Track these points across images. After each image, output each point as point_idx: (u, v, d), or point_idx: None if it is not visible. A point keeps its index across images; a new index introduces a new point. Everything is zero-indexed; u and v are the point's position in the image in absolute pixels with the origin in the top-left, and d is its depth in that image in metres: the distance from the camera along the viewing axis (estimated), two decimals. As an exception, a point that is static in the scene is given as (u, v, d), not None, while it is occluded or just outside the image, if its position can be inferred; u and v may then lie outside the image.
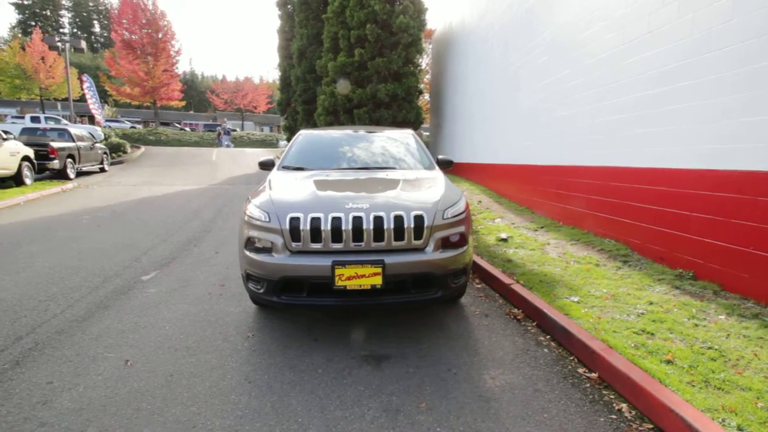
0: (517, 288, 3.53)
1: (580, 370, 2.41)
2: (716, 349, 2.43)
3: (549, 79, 6.48)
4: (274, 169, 3.82)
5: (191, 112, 59.18)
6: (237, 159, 20.61)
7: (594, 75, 5.21)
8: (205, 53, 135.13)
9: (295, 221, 2.58)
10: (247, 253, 2.72)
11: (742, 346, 2.47)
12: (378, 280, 2.47)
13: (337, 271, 2.46)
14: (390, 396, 2.16)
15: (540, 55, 6.76)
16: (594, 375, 2.33)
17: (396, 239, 2.57)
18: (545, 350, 2.69)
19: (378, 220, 2.55)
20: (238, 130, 45.20)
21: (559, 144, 6.15)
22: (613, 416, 1.98)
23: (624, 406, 2.05)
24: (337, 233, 2.54)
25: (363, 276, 2.46)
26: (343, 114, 13.92)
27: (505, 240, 5.30)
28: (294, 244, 2.58)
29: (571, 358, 2.57)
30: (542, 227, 5.91)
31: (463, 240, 2.80)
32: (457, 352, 2.64)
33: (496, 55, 9.07)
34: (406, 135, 4.52)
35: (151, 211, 7.94)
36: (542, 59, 6.68)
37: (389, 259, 2.51)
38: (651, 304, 3.16)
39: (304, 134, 4.39)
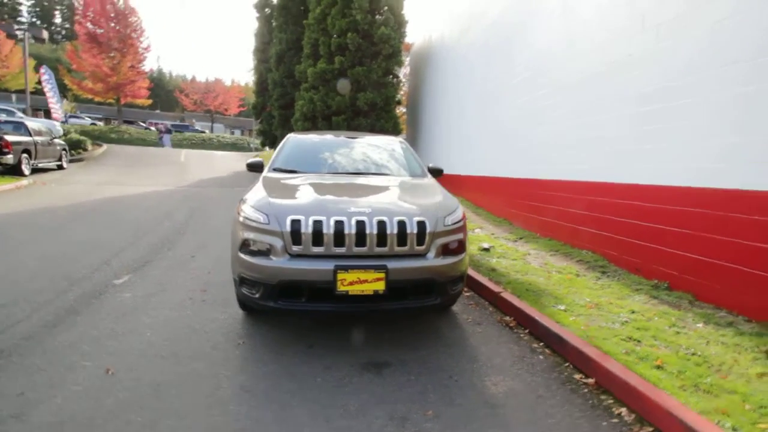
0: (507, 296, 3.59)
1: (577, 376, 2.46)
2: (699, 355, 2.57)
3: (526, 98, 6.75)
4: (265, 171, 3.73)
5: (158, 111, 56.95)
6: (206, 161, 20.00)
7: (571, 96, 5.48)
8: (174, 52, 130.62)
9: (296, 224, 2.52)
10: (242, 256, 2.61)
11: (722, 352, 2.62)
12: (381, 286, 2.45)
13: (340, 276, 2.41)
14: (395, 404, 2.12)
15: (519, 73, 7.04)
16: (591, 380, 2.39)
17: (398, 245, 2.56)
18: (540, 357, 2.74)
19: (381, 225, 2.54)
20: (207, 131, 43.88)
21: (536, 158, 6.39)
22: (615, 420, 2.04)
23: (623, 410, 2.11)
24: (339, 237, 2.49)
25: (365, 281, 2.43)
26: (321, 120, 13.85)
27: (487, 250, 5.39)
28: (294, 248, 2.51)
29: (567, 364, 2.63)
30: (521, 238, 6.07)
31: (461, 247, 2.82)
32: (456, 359, 2.64)
33: (476, 73, 9.35)
34: (395, 142, 4.54)
35: (118, 211, 7.50)
36: (521, 77, 6.96)
37: (392, 265, 2.49)
38: (633, 312, 3.30)
39: (293, 137, 4.32)
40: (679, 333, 2.92)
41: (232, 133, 52.68)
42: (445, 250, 2.71)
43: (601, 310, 3.35)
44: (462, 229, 2.87)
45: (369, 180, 3.52)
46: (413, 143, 16.25)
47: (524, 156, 6.80)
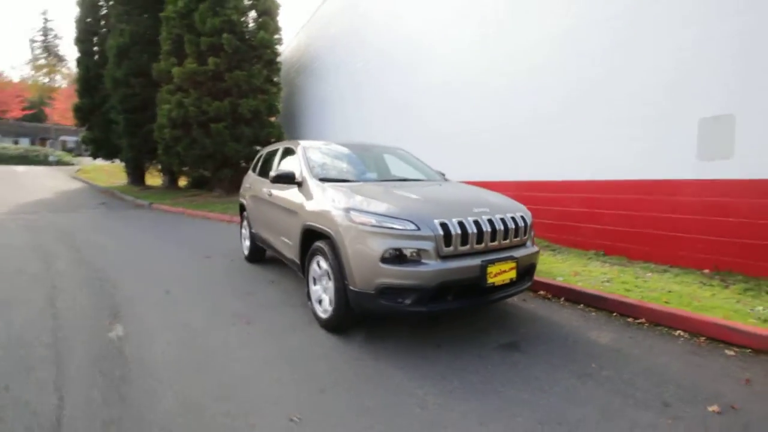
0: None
1: (629, 319, 3.18)
2: (673, 291, 3.61)
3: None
4: (308, 181, 3.33)
5: None
6: (10, 180, 15.16)
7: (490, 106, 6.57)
8: None
9: (445, 227, 2.51)
10: (387, 266, 2.42)
11: (682, 288, 3.74)
12: (513, 274, 2.67)
13: (489, 270, 2.54)
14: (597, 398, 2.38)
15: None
16: (639, 319, 3.15)
17: (514, 237, 2.83)
18: (579, 307, 3.39)
19: (504, 221, 2.75)
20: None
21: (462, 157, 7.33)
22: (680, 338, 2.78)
23: (646, 322, 2.90)
24: (480, 235, 2.62)
25: (504, 272, 2.61)
26: (197, 128, 12.26)
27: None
28: (445, 249, 2.49)
29: (591, 308, 3.39)
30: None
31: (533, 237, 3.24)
32: (565, 337, 3.03)
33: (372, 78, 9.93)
34: (397, 149, 4.55)
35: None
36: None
37: (517, 254, 2.74)
38: (604, 273, 4.30)
39: (307, 146, 3.88)
40: (646, 281, 3.99)
41: (16, 142, 40.41)
42: (532, 240, 3.11)
43: (582, 276, 4.24)
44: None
45: (429, 185, 3.57)
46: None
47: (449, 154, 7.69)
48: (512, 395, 2.12)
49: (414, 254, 2.45)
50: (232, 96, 12.64)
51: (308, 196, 3.25)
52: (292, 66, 15.42)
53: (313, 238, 3.12)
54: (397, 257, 2.45)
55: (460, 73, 7.09)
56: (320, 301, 3.02)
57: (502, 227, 2.71)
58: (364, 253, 2.51)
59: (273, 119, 13.91)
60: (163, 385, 2.21)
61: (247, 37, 12.77)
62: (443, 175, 4.26)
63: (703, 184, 4.08)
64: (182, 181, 18.94)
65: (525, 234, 2.93)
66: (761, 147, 3.69)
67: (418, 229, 2.47)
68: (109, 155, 17.93)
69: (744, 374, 2.31)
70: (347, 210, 2.68)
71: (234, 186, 15.18)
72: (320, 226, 2.90)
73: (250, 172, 5.38)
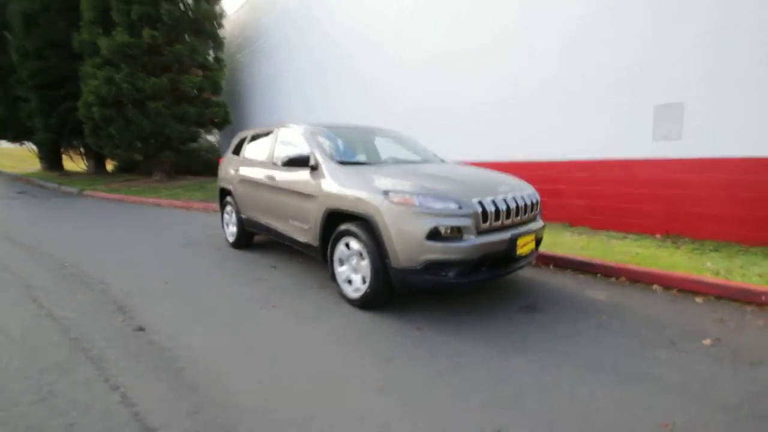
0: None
1: (612, 279, 3.69)
2: (635, 254, 4.23)
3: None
4: (324, 165, 3.33)
5: None
6: None
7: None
8: None
9: (481, 205, 2.71)
10: (432, 242, 2.58)
11: (645, 251, 4.36)
12: (533, 245, 2.99)
13: (519, 242, 2.81)
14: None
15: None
16: (620, 279, 3.66)
17: (531, 212, 3.13)
18: (568, 271, 3.85)
19: (524, 198, 3.02)
20: None
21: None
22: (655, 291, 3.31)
23: (616, 279, 3.44)
24: (508, 212, 2.86)
25: (527, 243, 2.91)
26: (131, 107, 11.13)
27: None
28: (482, 225, 2.70)
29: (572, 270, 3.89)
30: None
31: (538, 212, 3.57)
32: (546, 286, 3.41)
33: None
34: (394, 131, 4.62)
35: None
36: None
37: (534, 227, 3.05)
38: (575, 242, 4.85)
39: (312, 128, 3.81)
40: (613, 246, 4.59)
41: None
42: (540, 215, 3.43)
43: (560, 245, 4.75)
44: None
45: (442, 166, 3.71)
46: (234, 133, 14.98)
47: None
48: (552, 347, 2.43)
49: (456, 231, 2.64)
50: (172, 72, 11.63)
51: (327, 179, 3.26)
52: (233, 41, 14.46)
53: (338, 221, 3.17)
54: (440, 234, 2.62)
55: (435, 55, 7.26)
56: (349, 281, 3.10)
57: (523, 204, 2.99)
58: (409, 232, 2.63)
59: (218, 98, 13.06)
60: (227, 368, 2.20)
61: (183, 9, 11.70)
62: (436, 156, 4.47)
63: (657, 163, 4.75)
64: (109, 166, 17.12)
65: (536, 210, 3.25)
66: (704, 131, 4.38)
67: (461, 208, 2.66)
68: (16, 138, 15.58)
69: (716, 315, 2.86)
70: (386, 192, 2.77)
71: (176, 170, 14.09)
72: (351, 209, 2.96)
73: (230, 155, 5.14)
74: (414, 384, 2.07)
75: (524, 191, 3.12)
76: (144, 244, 5.32)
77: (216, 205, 8.37)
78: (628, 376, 2.13)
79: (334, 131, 3.95)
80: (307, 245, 3.54)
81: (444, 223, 2.61)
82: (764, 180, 4.05)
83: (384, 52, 8.27)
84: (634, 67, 4.84)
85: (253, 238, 4.98)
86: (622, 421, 1.78)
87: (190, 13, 11.73)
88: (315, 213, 3.33)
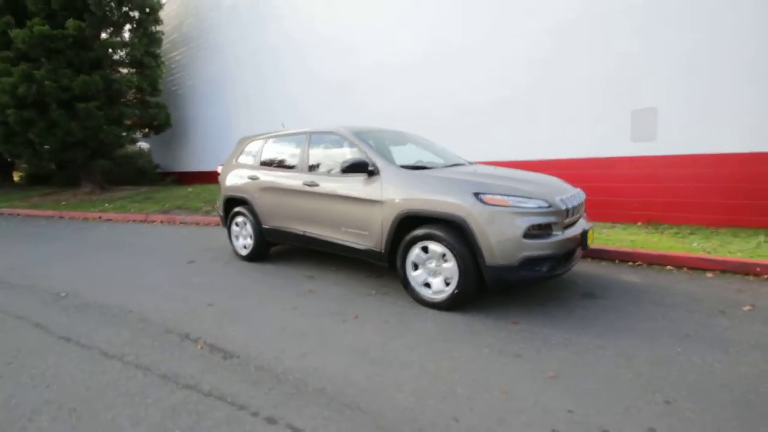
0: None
1: (629, 263, 4.18)
2: (630, 241, 4.84)
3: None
4: (387, 170, 3.36)
5: None
6: None
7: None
8: None
9: (563, 203, 2.94)
10: (529, 240, 2.75)
11: (629, 236, 5.01)
12: (592, 237, 3.26)
13: (589, 235, 3.08)
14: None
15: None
16: (637, 262, 4.17)
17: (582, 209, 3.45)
18: (609, 263, 4.28)
19: (580, 197, 3.32)
20: None
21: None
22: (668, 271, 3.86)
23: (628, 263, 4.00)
24: (574, 208, 3.13)
25: (589, 237, 3.18)
26: (57, 108, 9.65)
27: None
28: (564, 221, 2.93)
29: (616, 261, 4.34)
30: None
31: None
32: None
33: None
34: (417, 135, 4.73)
35: None
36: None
37: (589, 223, 3.37)
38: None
39: (359, 132, 3.79)
40: (609, 235, 5.18)
41: None
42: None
43: (560, 237, 5.25)
44: None
45: (494, 168, 3.86)
46: (180, 138, 13.80)
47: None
48: (634, 325, 2.73)
49: (547, 228, 2.84)
50: (103, 69, 10.34)
51: (392, 184, 3.27)
52: (166, 38, 13.23)
53: (410, 225, 3.19)
54: (535, 232, 2.80)
55: (417, 59, 7.44)
56: (427, 285, 3.14)
57: (579, 202, 3.30)
58: (506, 232, 2.76)
59: (157, 99, 11.88)
60: (395, 389, 2.13)
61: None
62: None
63: (635, 160, 5.46)
64: (15, 177, 14.57)
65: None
66: (675, 132, 5.16)
67: (550, 206, 2.86)
68: None
69: (732, 286, 3.43)
70: (476, 194, 2.87)
71: (109, 180, 12.40)
72: (435, 212, 3.00)
73: (237, 162, 4.81)
74: (573, 371, 2.21)
75: (576, 190, 3.43)
76: (140, 265, 4.74)
77: (182, 217, 7.69)
78: (716, 342, 2.49)
79: (375, 135, 3.92)
80: (368, 251, 3.48)
81: (539, 221, 2.80)
82: (725, 173, 4.90)
83: (358, 54, 8.27)
84: (613, 77, 5.51)
85: (269, 249, 4.71)
86: (749, 378, 2.10)
87: (122, 2, 10.52)
88: (380, 218, 3.30)
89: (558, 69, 5.93)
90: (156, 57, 11.42)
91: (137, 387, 2.18)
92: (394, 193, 3.24)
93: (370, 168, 3.40)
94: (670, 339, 2.55)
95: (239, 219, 4.69)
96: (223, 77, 11.60)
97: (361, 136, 3.72)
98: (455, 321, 2.91)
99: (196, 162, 13.31)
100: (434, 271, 3.10)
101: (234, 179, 4.74)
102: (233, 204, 4.81)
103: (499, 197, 2.84)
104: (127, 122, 11.02)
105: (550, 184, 3.26)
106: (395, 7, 7.65)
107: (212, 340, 2.71)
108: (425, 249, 3.10)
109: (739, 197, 4.90)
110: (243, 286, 3.83)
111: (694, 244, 4.45)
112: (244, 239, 4.71)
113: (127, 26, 10.65)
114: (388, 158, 3.51)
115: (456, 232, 2.96)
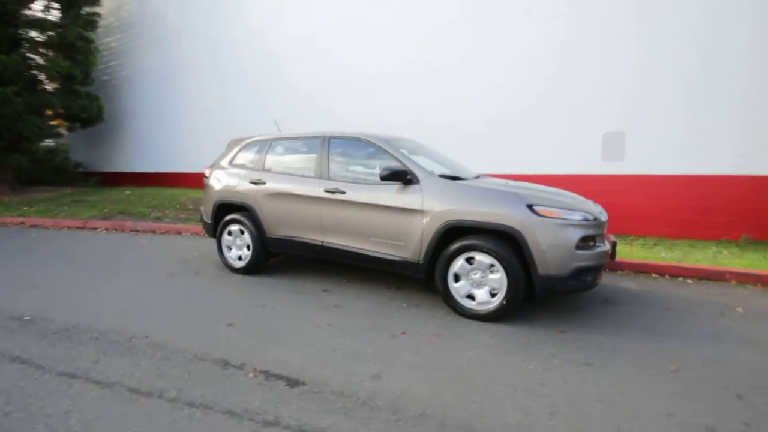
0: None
1: (618, 272, 4.54)
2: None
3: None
4: (427, 180, 3.30)
5: None
6: None
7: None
8: None
9: (602, 215, 3.12)
10: (581, 252, 2.89)
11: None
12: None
13: (617, 246, 3.27)
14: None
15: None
16: (625, 271, 4.55)
17: None
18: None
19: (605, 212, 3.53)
20: None
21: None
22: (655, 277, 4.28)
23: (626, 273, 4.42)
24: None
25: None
26: (-40, 91, 8.01)
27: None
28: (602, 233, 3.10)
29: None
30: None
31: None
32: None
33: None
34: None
35: None
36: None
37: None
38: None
39: (391, 140, 3.72)
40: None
41: None
42: None
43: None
44: None
45: (514, 181, 3.89)
46: (110, 135, 12.22)
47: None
48: (663, 329, 2.96)
49: (592, 240, 2.98)
50: (24, 49, 8.87)
51: (434, 194, 3.21)
52: (101, 22, 11.78)
53: (453, 236, 3.15)
54: (585, 243, 2.92)
55: (402, 68, 7.46)
56: (471, 296, 3.11)
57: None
58: (560, 243, 2.84)
59: (88, 89, 10.45)
60: (484, 409, 2.03)
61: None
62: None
63: (604, 178, 6.02)
64: None
65: None
66: (641, 154, 5.79)
67: (594, 219, 3.01)
68: None
69: (716, 291, 3.89)
70: (530, 206, 2.92)
71: (21, 179, 10.45)
72: (488, 222, 2.99)
73: (232, 165, 4.39)
74: (648, 376, 2.31)
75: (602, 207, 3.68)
76: (108, 280, 4.08)
77: (131, 224, 6.86)
78: (736, 340, 2.80)
79: (400, 143, 3.83)
80: (403, 263, 3.35)
81: (588, 233, 2.93)
82: (680, 192, 5.61)
83: (333, 60, 8.09)
84: (586, 104, 6.05)
85: (268, 261, 4.34)
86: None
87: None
88: (420, 229, 3.21)
89: (530, 96, 6.37)
90: (90, 42, 10.06)
91: (207, 429, 1.83)
92: (438, 202, 3.17)
93: (409, 177, 3.30)
94: (701, 339, 2.80)
95: (233, 227, 4.25)
96: (168, 71, 10.59)
97: (391, 144, 3.60)
98: (506, 332, 2.91)
99: (128, 162, 11.92)
100: (478, 282, 3.08)
101: (230, 183, 4.30)
102: (226, 210, 4.35)
103: (551, 210, 2.92)
104: (49, 112, 9.52)
105: (578, 198, 3.44)
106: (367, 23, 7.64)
107: (259, 365, 2.39)
108: (469, 260, 3.07)
109: (690, 213, 5.64)
110: (254, 302, 3.45)
111: (663, 254, 4.99)
112: (238, 250, 4.27)
113: (57, 4, 9.24)
114: (425, 167, 3.44)
115: (505, 243, 2.98)
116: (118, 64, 11.72)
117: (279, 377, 2.26)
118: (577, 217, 2.95)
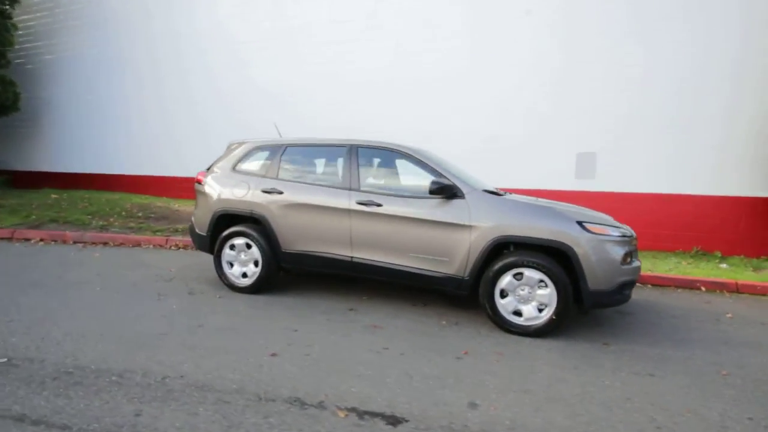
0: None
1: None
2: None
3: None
4: (473, 194, 3.27)
5: None
6: None
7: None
8: None
9: (632, 232, 3.28)
10: (624, 267, 3.04)
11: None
12: None
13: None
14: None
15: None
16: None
17: None
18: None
19: None
20: None
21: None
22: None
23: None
24: None
25: None
26: None
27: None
28: None
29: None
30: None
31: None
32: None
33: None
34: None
35: None
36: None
37: None
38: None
39: (423, 152, 3.64)
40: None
41: None
42: None
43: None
44: None
45: (541, 199, 3.94)
46: (25, 128, 10.39)
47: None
48: (684, 336, 3.22)
49: (630, 255, 3.15)
50: None
51: (481, 209, 3.19)
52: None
53: (499, 251, 3.14)
54: (627, 259, 3.08)
55: (377, 77, 7.36)
56: (517, 312, 3.11)
57: None
58: (609, 259, 2.96)
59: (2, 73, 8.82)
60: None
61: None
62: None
63: (577, 194, 6.50)
64: None
65: None
66: (609, 173, 6.36)
67: (632, 235, 3.18)
68: None
69: (698, 299, 4.36)
70: (580, 223, 3.00)
71: None
72: (541, 238, 3.02)
73: (236, 172, 3.96)
74: (708, 384, 2.46)
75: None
76: (83, 306, 3.40)
77: (74, 234, 5.93)
78: (743, 344, 3.13)
79: (428, 154, 3.74)
80: (447, 279, 3.24)
81: (630, 249, 3.10)
82: (650, 208, 6.25)
83: (309, 62, 7.78)
84: (560, 125, 6.52)
85: (277, 277, 3.95)
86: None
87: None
88: (467, 244, 3.15)
89: (508, 118, 6.72)
90: (8, 17, 8.50)
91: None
92: (486, 218, 3.14)
93: (454, 191, 3.23)
94: (719, 345, 3.10)
95: (238, 241, 3.80)
96: (110, 59, 9.36)
97: (426, 155, 3.51)
98: (559, 347, 2.95)
99: (48, 160, 10.28)
100: (525, 298, 3.09)
101: (234, 191, 3.84)
102: (229, 222, 3.89)
103: (600, 227, 3.05)
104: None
105: (607, 216, 3.64)
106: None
107: (340, 401, 2.12)
108: (517, 276, 3.08)
109: (655, 228, 6.31)
110: (281, 326, 3.10)
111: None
112: (243, 266, 3.82)
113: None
114: (469, 181, 3.40)
115: (554, 259, 3.03)
116: (38, 47, 10.08)
117: (373, 414, 2.02)
118: (619, 233, 3.11)
